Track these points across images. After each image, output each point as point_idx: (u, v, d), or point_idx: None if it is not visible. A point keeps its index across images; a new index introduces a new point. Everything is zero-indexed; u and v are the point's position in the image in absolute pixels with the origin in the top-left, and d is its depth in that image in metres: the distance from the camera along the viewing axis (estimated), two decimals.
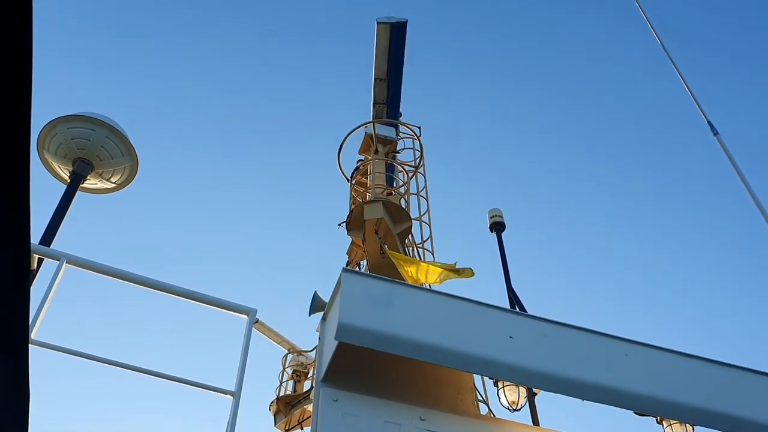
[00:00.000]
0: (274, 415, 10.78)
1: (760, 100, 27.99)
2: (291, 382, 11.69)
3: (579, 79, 30.36)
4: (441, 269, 7.46)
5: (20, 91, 1.79)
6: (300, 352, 12.07)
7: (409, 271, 7.49)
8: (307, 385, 11.50)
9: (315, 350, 11.73)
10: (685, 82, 7.66)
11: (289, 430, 10.70)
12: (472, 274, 7.47)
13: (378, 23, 11.33)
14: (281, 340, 12.36)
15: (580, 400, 3.83)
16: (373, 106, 12.01)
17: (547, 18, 29.99)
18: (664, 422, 9.04)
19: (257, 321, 4.16)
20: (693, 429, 8.88)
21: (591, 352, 4.02)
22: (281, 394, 11.08)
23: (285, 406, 10.78)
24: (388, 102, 11.93)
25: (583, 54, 30.39)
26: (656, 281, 28.33)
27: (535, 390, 8.81)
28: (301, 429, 10.67)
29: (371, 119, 11.49)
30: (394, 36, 11.46)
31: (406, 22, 11.40)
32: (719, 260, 28.66)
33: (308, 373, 11.81)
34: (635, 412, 4.23)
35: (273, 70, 29.81)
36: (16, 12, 1.64)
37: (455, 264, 7.47)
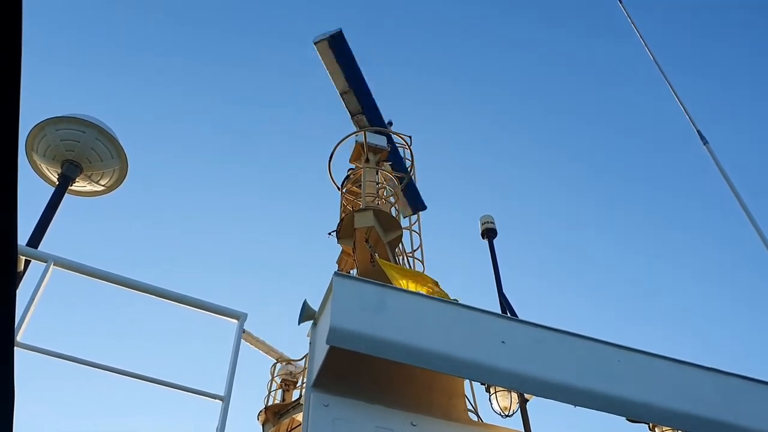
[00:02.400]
0: (263, 425, 10.69)
1: (748, 109, 28.29)
2: (280, 392, 11.62)
3: (569, 89, 30.58)
4: (426, 289, 7.48)
5: (8, 92, 1.76)
6: (289, 361, 12.00)
7: (401, 283, 7.48)
8: (295, 395, 11.43)
9: (304, 359, 11.67)
10: (674, 92, 7.71)
11: None
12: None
13: (315, 43, 11.39)
14: (268, 350, 12.27)
15: (572, 406, 3.82)
16: (352, 118, 12.02)
17: (537, 28, 30.22)
18: (656, 429, 9.02)
19: (244, 332, 4.11)
20: None
21: (583, 357, 4.00)
22: (270, 403, 11.00)
23: (273, 415, 10.70)
24: (365, 111, 11.95)
25: (573, 64, 30.63)
26: (647, 288, 28.47)
27: (527, 396, 8.78)
28: None
29: (359, 129, 11.49)
30: (336, 48, 11.50)
31: (340, 31, 11.48)
32: (708, 267, 28.86)
33: (297, 382, 11.74)
34: (627, 419, 4.20)
35: (264, 76, 29.84)
36: (5, 13, 1.63)
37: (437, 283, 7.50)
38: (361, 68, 11.73)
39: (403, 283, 7.55)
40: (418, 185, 10.78)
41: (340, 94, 11.79)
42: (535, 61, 30.65)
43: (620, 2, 8.59)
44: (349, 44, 11.49)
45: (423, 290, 7.50)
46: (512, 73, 31.17)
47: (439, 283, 7.49)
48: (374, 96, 11.95)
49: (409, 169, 11.00)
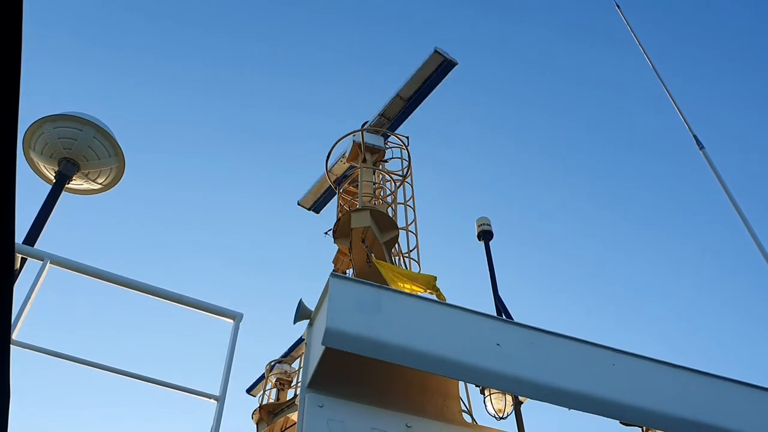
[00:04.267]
0: (257, 424, 10.69)
1: (743, 114, 28.36)
2: (274, 391, 11.62)
3: (567, 92, 30.62)
4: (422, 289, 7.49)
5: (7, 90, 1.77)
6: (282, 361, 12.01)
7: (397, 285, 7.49)
8: (290, 394, 11.43)
9: (300, 356, 11.66)
10: (671, 96, 7.74)
11: None
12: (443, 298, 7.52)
13: (435, 51, 11.67)
14: None
15: (567, 409, 3.83)
16: (378, 117, 12.13)
17: (535, 33, 30.25)
18: None
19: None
20: None
21: (578, 361, 4.02)
22: (264, 402, 11.00)
23: (268, 414, 10.70)
24: (395, 120, 12.17)
25: (571, 68, 30.66)
26: (642, 292, 28.53)
27: (521, 398, 8.80)
28: None
29: (360, 128, 11.50)
30: (441, 69, 11.83)
31: (456, 63, 11.79)
32: (702, 271, 28.92)
33: (292, 381, 11.74)
34: (621, 422, 4.22)
35: (261, 75, 29.81)
36: (6, 11, 1.63)
37: (435, 278, 7.50)
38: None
39: (399, 285, 7.56)
40: (414, 186, 10.78)
41: (397, 96, 12.06)
42: (533, 65, 30.70)
43: (618, 7, 8.62)
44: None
45: (418, 291, 7.52)
46: (509, 76, 31.23)
47: (436, 278, 7.50)
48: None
49: (405, 170, 11.00)
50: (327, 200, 13.60)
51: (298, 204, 13.87)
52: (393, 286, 7.46)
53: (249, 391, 13.48)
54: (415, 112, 12.32)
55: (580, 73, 30.44)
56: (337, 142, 10.93)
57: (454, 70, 11.86)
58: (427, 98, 12.15)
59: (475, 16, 29.78)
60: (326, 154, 10.79)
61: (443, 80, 11.94)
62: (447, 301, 4.21)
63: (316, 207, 13.89)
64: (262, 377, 12.54)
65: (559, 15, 29.86)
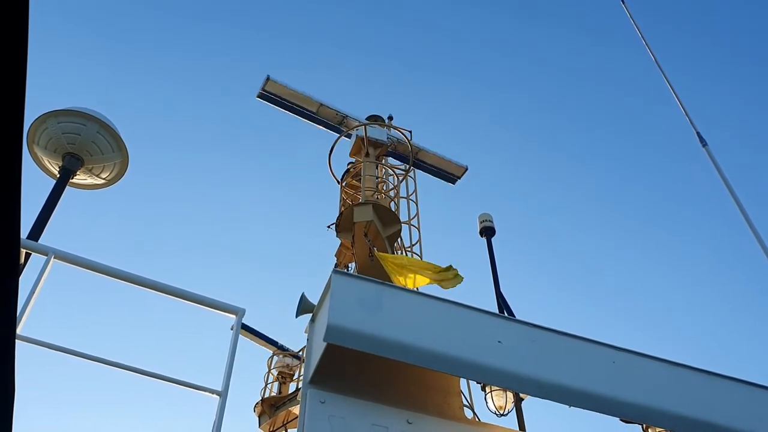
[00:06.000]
0: (259, 417, 10.73)
1: (747, 111, 28.26)
2: (276, 384, 11.65)
3: (569, 88, 30.53)
4: (429, 279, 7.46)
5: (13, 85, 1.77)
6: (285, 354, 12.03)
7: (399, 279, 7.49)
8: (292, 387, 11.46)
9: (302, 350, 11.68)
10: (674, 92, 7.71)
11: (273, 431, 10.65)
12: (459, 281, 7.47)
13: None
14: (265, 343, 12.29)
15: (567, 407, 3.84)
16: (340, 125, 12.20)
17: (537, 29, 30.14)
18: (650, 430, 9.06)
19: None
20: None
21: (579, 358, 4.03)
22: (266, 395, 11.03)
23: (270, 407, 10.74)
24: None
25: (573, 64, 30.57)
26: (644, 289, 28.51)
27: (522, 395, 8.82)
28: (285, 431, 10.63)
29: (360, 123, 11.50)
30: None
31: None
32: (705, 269, 28.88)
33: (294, 374, 11.77)
34: (621, 420, 4.23)
35: (265, 71, 29.72)
36: (12, 7, 1.64)
37: (449, 268, 7.47)
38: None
39: (402, 280, 7.56)
40: (416, 181, 10.78)
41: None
42: (536, 60, 30.60)
43: (623, 3, 8.57)
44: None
45: (421, 279, 7.49)
46: (512, 72, 31.14)
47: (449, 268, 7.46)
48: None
49: (408, 165, 11.00)
50: None
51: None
52: (395, 281, 7.47)
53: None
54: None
55: (582, 68, 30.35)
56: (340, 136, 10.95)
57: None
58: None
59: (478, 11, 29.69)
60: (329, 149, 10.80)
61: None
62: (448, 298, 4.22)
63: None
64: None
65: (562, 11, 29.76)
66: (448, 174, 13.28)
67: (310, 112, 12.50)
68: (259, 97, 12.38)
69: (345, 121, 12.33)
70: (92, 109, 6.10)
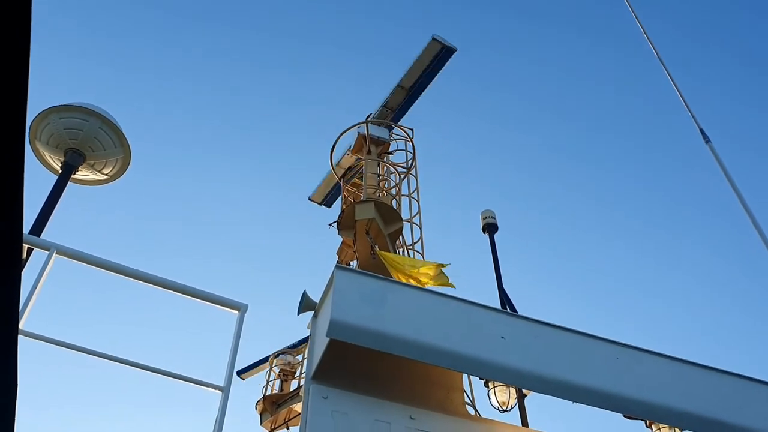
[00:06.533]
0: (260, 414, 10.73)
1: (750, 108, 28.23)
2: (278, 382, 11.65)
3: (571, 86, 30.51)
4: (427, 280, 7.46)
5: (16, 81, 1.77)
6: (286, 351, 12.03)
7: (400, 278, 7.48)
8: (294, 385, 11.46)
9: (303, 348, 11.69)
10: (677, 89, 7.69)
11: (274, 429, 10.66)
12: (452, 287, 7.49)
13: (433, 38, 11.54)
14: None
15: (571, 402, 3.84)
16: (381, 108, 12.10)
17: (539, 28, 30.12)
18: (653, 426, 9.07)
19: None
20: None
21: (582, 354, 4.02)
22: (268, 393, 11.04)
23: (271, 405, 10.74)
24: (397, 110, 12.11)
25: (575, 61, 30.54)
26: (646, 286, 28.50)
27: (525, 391, 8.82)
28: (287, 428, 10.64)
29: (365, 120, 11.48)
30: (440, 56, 11.71)
31: (455, 50, 11.67)
32: (707, 266, 28.87)
33: (295, 372, 11.77)
34: (624, 415, 4.23)
35: (266, 69, 29.77)
36: (15, 4, 1.63)
37: (442, 273, 7.47)
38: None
39: (403, 278, 7.55)
40: (419, 179, 10.77)
41: (399, 86, 11.96)
42: (537, 59, 30.58)
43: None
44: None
45: (422, 278, 7.49)
46: (515, 71, 31.11)
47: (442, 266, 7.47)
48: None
49: (410, 162, 10.99)
50: (338, 194, 13.53)
51: (310, 199, 13.78)
52: (396, 278, 7.46)
53: (240, 374, 12.85)
54: (419, 103, 12.28)
55: (584, 66, 30.31)
56: (341, 134, 10.93)
57: (457, 60, 11.80)
58: (429, 88, 12.07)
59: (478, 10, 29.66)
60: (331, 147, 10.79)
61: (443, 68, 11.84)
62: (451, 293, 4.22)
63: (327, 201, 13.80)
64: (259, 363, 12.40)
65: (563, 8, 29.72)
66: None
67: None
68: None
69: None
70: (94, 105, 6.09)
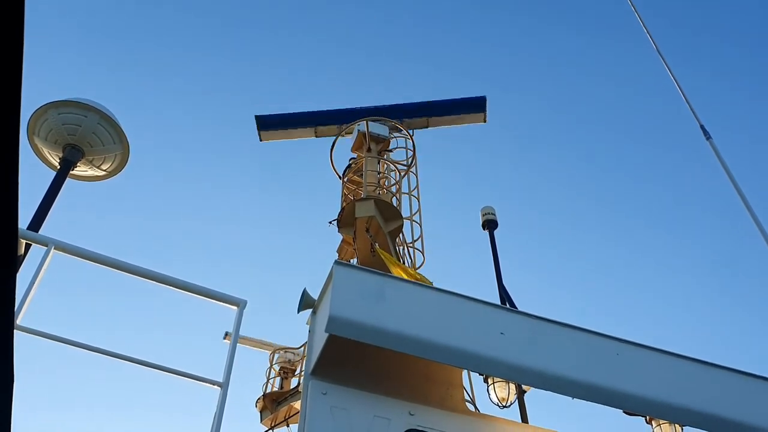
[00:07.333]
0: (260, 412, 10.73)
1: (751, 105, 28.22)
2: (278, 379, 11.65)
3: (571, 82, 30.48)
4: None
5: (9, 74, 1.75)
6: (287, 350, 12.03)
7: (398, 272, 7.48)
8: (294, 383, 11.45)
9: (303, 347, 11.68)
10: (678, 85, 7.67)
11: (274, 426, 10.66)
12: None
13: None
14: (263, 345, 12.30)
15: (570, 398, 3.82)
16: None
17: (539, 24, 30.09)
18: (653, 422, 9.06)
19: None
20: (682, 429, 8.90)
21: (582, 350, 4.01)
22: (268, 390, 11.03)
23: (271, 403, 10.73)
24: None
25: (576, 57, 30.52)
26: (646, 283, 28.49)
27: (524, 387, 8.82)
28: (287, 426, 10.63)
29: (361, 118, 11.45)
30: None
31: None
32: (708, 263, 28.88)
33: (295, 370, 11.76)
34: (625, 412, 4.23)
35: (266, 68, 29.76)
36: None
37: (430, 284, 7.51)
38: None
39: (403, 273, 7.56)
40: (419, 175, 10.75)
41: None
42: (536, 54, 30.55)
43: None
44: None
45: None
46: (514, 67, 31.07)
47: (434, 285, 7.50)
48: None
49: (410, 159, 10.97)
50: None
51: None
52: (395, 274, 7.47)
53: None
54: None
55: (584, 61, 30.27)
56: (341, 132, 10.91)
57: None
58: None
59: (478, 11, 29.64)
60: (330, 145, 10.78)
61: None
62: (450, 290, 4.21)
63: None
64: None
65: (561, 6, 29.68)
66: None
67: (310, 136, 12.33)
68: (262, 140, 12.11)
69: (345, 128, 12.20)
70: (93, 101, 6.08)
